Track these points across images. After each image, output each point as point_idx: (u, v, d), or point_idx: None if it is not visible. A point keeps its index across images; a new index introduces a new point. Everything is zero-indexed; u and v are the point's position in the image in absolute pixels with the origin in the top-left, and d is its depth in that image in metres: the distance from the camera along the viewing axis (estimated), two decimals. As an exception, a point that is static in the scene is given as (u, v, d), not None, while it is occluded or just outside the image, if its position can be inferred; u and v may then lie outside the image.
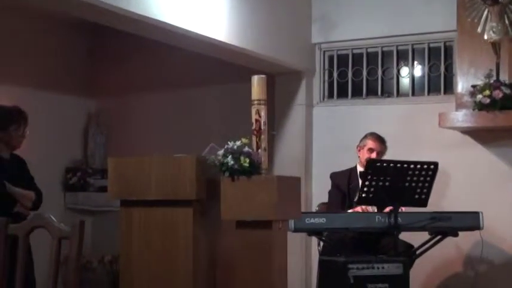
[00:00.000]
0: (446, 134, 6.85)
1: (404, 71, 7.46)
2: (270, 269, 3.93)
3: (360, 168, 6.29)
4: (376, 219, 5.83)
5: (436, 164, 5.75)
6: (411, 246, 6.09)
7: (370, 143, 6.36)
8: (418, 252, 6.06)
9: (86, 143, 8.50)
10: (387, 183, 5.69)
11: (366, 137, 6.43)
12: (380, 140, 6.38)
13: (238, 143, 3.93)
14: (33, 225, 3.62)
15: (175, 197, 3.95)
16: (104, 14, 5.36)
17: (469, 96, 6.59)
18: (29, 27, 7.68)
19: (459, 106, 6.71)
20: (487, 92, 6.42)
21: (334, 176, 6.49)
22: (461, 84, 6.74)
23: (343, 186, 6.36)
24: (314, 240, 6.76)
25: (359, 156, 6.40)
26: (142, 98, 8.38)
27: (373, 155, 6.27)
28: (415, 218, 5.87)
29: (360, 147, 6.41)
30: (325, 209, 6.45)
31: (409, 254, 5.95)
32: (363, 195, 5.75)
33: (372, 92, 7.59)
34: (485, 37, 6.54)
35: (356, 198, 5.93)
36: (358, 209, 6.09)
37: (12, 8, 6.76)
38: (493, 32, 6.50)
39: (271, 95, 5.07)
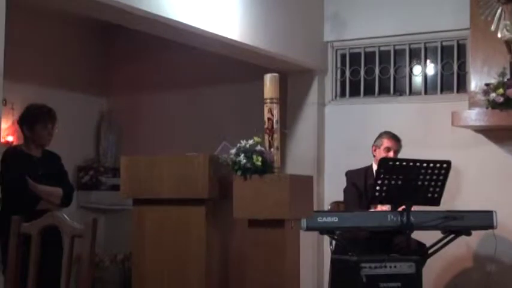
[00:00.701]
0: (459, 132, 6.82)
1: (417, 69, 7.44)
2: (282, 268, 3.92)
3: (375, 167, 6.25)
4: (389, 218, 5.80)
5: (449, 163, 5.73)
6: (423, 245, 6.07)
7: (386, 142, 6.33)
8: (430, 251, 6.04)
9: (98, 141, 8.53)
10: (400, 182, 5.66)
11: (381, 136, 6.41)
12: (396, 138, 6.36)
13: (250, 141, 3.93)
14: (46, 223, 3.63)
15: (188, 196, 3.95)
16: (116, 12, 5.38)
17: (482, 95, 6.56)
18: (41, 26, 7.71)
19: (472, 105, 6.68)
20: (501, 91, 6.39)
21: (350, 174, 6.44)
22: (475, 83, 6.71)
23: (360, 184, 6.32)
24: (326, 239, 6.74)
25: (374, 156, 6.36)
26: (154, 96, 8.39)
27: (390, 154, 6.25)
28: (427, 217, 5.84)
29: (375, 147, 6.38)
30: (343, 208, 6.42)
31: (421, 253, 5.93)
32: (376, 194, 5.73)
33: (384, 91, 7.57)
34: (499, 35, 6.51)
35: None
36: (379, 209, 6.07)
37: (26, 8, 6.77)
38: (507, 30, 6.47)
39: (283, 93, 5.06)
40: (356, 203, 6.26)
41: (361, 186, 6.30)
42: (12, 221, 3.75)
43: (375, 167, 6.28)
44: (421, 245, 6.06)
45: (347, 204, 6.39)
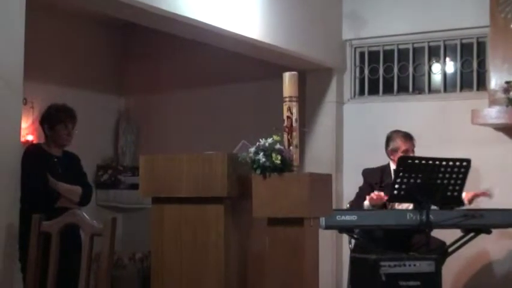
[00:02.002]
0: (479, 130, 6.79)
1: (436, 67, 7.41)
2: (301, 267, 3.91)
3: (393, 166, 6.17)
4: (408, 217, 5.78)
5: (468, 161, 5.71)
6: (443, 243, 6.04)
7: (403, 146, 6.23)
8: (450, 249, 6.01)
9: (116, 140, 8.56)
10: (419, 180, 5.64)
11: (393, 139, 6.31)
12: (410, 138, 6.29)
13: (269, 140, 3.92)
14: (66, 222, 3.65)
15: (207, 194, 3.94)
16: (135, 11, 5.39)
17: (503, 93, 6.53)
18: (60, 26, 7.74)
19: (492, 103, 6.65)
20: (521, 89, 6.37)
21: (366, 173, 6.39)
22: (495, 81, 6.67)
23: (375, 184, 6.29)
24: (345, 237, 6.73)
25: (392, 159, 6.29)
26: (172, 95, 8.41)
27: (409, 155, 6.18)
28: (447, 215, 5.81)
29: (391, 151, 6.28)
30: (351, 204, 6.39)
31: (442, 252, 5.90)
32: (395, 192, 5.71)
33: (403, 89, 7.55)
34: (519, 33, 6.48)
35: (387, 197, 5.88)
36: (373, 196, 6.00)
37: (45, 7, 6.81)
38: (527, 27, 6.44)
39: (302, 92, 5.05)
40: (363, 202, 6.20)
41: (376, 186, 6.26)
42: (33, 220, 3.77)
43: (392, 166, 6.22)
44: (441, 243, 6.03)
45: (354, 201, 6.35)
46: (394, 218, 5.85)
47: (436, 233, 5.98)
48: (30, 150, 5.18)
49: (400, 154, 6.19)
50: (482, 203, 6.23)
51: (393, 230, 5.97)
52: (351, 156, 7.52)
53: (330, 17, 7.49)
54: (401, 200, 5.88)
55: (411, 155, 6.18)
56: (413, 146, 6.29)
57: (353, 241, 6.19)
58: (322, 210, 4.17)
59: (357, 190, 6.42)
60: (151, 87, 8.54)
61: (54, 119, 5.22)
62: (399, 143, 6.26)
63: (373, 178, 6.29)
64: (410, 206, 6.04)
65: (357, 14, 7.52)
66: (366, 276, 5.63)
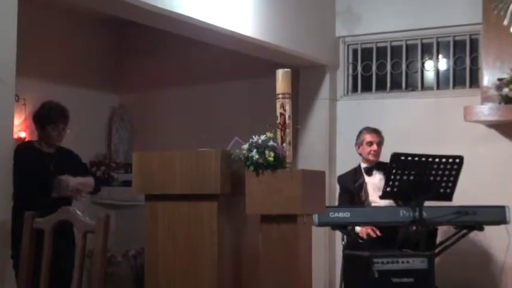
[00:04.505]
0: (472, 127, 6.80)
1: (429, 64, 7.42)
2: (295, 263, 3.92)
3: (363, 165, 6.34)
4: (401, 214, 5.80)
5: (461, 158, 5.71)
6: (434, 231, 6.03)
7: (367, 137, 6.37)
8: (443, 246, 6.02)
9: (110, 137, 8.55)
10: (412, 177, 5.65)
11: (360, 133, 6.45)
12: (375, 131, 6.39)
13: (263, 137, 3.92)
14: (59, 219, 3.65)
15: (200, 191, 3.94)
16: (129, 9, 5.39)
17: (495, 90, 6.55)
18: (53, 22, 7.72)
19: (485, 100, 6.66)
20: (513, 86, 6.39)
21: (340, 179, 6.59)
22: (487, 78, 6.69)
23: (351, 186, 6.36)
24: (338, 234, 6.74)
25: (360, 154, 6.39)
26: (166, 92, 8.40)
27: (374, 147, 6.29)
28: (440, 212, 5.82)
29: (358, 145, 6.43)
30: None
31: (433, 242, 5.92)
32: (387, 189, 5.72)
33: (396, 86, 7.56)
34: (512, 30, 6.50)
35: (380, 193, 5.90)
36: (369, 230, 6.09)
37: (38, 3, 6.79)
38: (520, 24, 6.46)
39: (295, 89, 5.05)
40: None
41: (352, 188, 6.33)
42: (25, 217, 3.76)
43: (362, 165, 6.36)
44: (431, 232, 6.01)
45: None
46: (387, 215, 5.87)
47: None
48: (22, 147, 5.15)
49: (364, 146, 6.33)
50: (474, 200, 6.24)
51: (385, 227, 5.99)
52: (344, 153, 7.51)
53: (323, 14, 7.49)
54: (394, 197, 5.89)
55: (375, 148, 6.24)
56: (379, 138, 6.35)
57: (346, 238, 6.21)
58: (315, 207, 4.18)
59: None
60: (146, 84, 8.53)
61: (46, 119, 5.18)
62: (364, 136, 6.38)
63: (347, 181, 6.42)
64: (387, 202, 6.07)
65: (350, 11, 7.53)
66: (358, 273, 5.64)
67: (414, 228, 5.70)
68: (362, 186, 6.22)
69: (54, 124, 5.17)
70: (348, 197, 6.35)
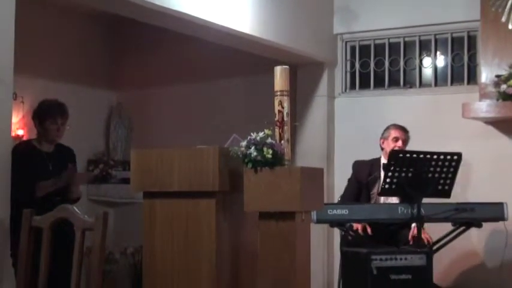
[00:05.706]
0: (470, 124, 6.80)
1: (427, 61, 7.42)
2: (293, 260, 3.92)
3: (383, 160, 6.22)
4: (399, 211, 5.80)
5: (459, 155, 5.72)
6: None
7: (394, 132, 6.32)
8: (441, 243, 6.03)
9: (108, 135, 8.55)
10: (410, 174, 5.65)
11: (388, 128, 6.40)
12: (403, 128, 6.36)
13: (261, 134, 3.91)
14: (58, 216, 3.64)
15: (198, 189, 3.94)
16: (126, 6, 5.40)
17: (493, 87, 6.55)
18: (51, 20, 7.72)
19: (483, 96, 6.66)
20: (511, 82, 6.37)
21: (355, 165, 6.45)
22: (485, 75, 6.69)
23: (363, 176, 6.31)
24: (336, 231, 6.74)
25: (383, 149, 6.34)
26: (164, 90, 8.39)
27: (399, 144, 6.24)
28: (438, 209, 5.83)
29: (383, 139, 6.36)
30: (341, 198, 6.43)
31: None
32: (386, 186, 5.72)
33: (394, 83, 7.56)
34: (510, 27, 6.50)
35: (379, 190, 5.90)
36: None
37: (34, 1, 6.78)
38: (518, 21, 6.46)
39: (293, 86, 5.05)
40: (351, 196, 6.26)
41: (363, 179, 6.30)
42: (24, 215, 3.76)
43: (383, 160, 6.27)
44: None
45: (343, 195, 6.41)
46: (385, 212, 5.87)
47: (427, 227, 5.99)
48: (20, 148, 5.14)
49: (390, 141, 6.28)
50: (472, 197, 6.24)
51: (382, 224, 6.00)
52: (342, 150, 7.52)
53: (321, 11, 7.49)
54: (392, 193, 5.89)
55: (400, 145, 6.21)
56: (405, 137, 6.31)
57: (340, 233, 6.22)
58: (314, 204, 4.18)
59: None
60: (143, 81, 8.53)
61: (44, 115, 5.19)
62: (391, 131, 6.35)
63: (362, 171, 6.34)
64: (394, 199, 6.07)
65: (348, 8, 7.52)
66: (357, 270, 5.64)
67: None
68: (376, 180, 6.17)
69: (52, 118, 5.18)
70: (355, 189, 6.31)
